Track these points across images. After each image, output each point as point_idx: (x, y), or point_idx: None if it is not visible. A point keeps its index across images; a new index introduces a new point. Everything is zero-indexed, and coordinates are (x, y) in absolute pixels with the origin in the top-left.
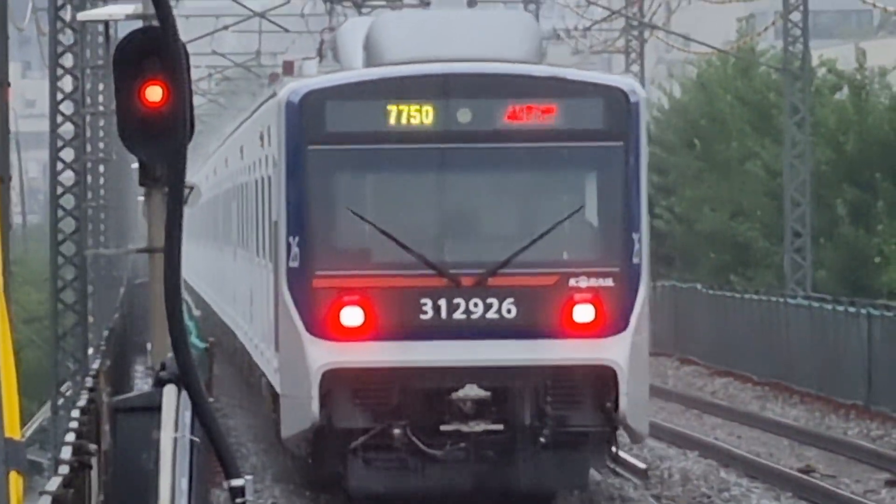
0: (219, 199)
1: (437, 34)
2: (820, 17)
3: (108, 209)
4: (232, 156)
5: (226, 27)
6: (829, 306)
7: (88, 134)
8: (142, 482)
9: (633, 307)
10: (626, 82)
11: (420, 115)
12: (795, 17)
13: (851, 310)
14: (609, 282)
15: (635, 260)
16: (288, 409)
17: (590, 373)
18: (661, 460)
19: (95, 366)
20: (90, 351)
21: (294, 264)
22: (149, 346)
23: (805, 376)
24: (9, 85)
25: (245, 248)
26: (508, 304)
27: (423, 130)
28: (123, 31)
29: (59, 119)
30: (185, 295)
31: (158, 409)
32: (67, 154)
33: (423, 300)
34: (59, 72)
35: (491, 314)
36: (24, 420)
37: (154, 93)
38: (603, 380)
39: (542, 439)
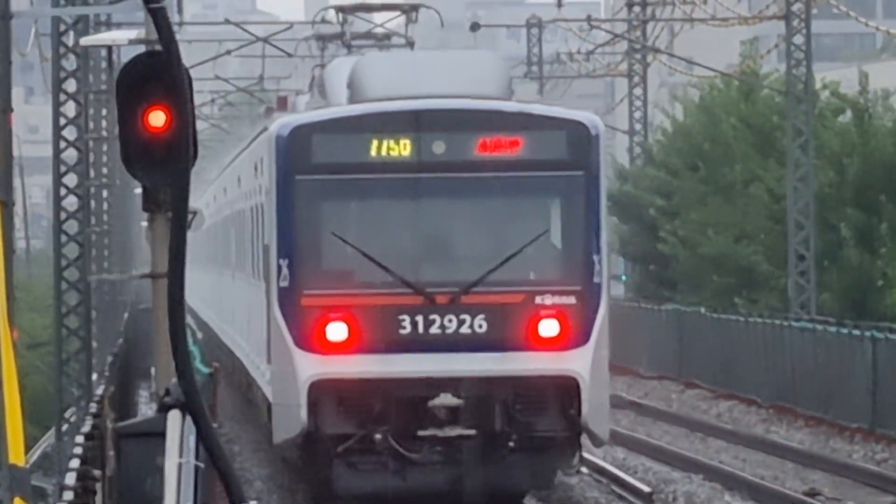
0: (218, 226)
1: (414, 73)
2: (823, 40)
3: (112, 234)
4: (230, 185)
5: (229, 52)
6: (834, 329)
7: (91, 159)
8: None
9: (594, 322)
10: (587, 117)
11: (398, 148)
12: (798, 40)
13: (856, 333)
14: (572, 299)
15: (596, 279)
16: (279, 416)
17: (555, 382)
18: (665, 483)
19: (99, 391)
20: (94, 376)
21: (284, 284)
22: (153, 371)
23: (809, 399)
24: (12, 110)
25: (242, 270)
26: (480, 319)
27: (401, 161)
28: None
29: (63, 144)
30: (189, 320)
31: (163, 434)
32: (71, 179)
33: (402, 316)
34: (62, 97)
35: (464, 329)
36: (29, 446)
37: (157, 118)
38: (567, 389)
39: (511, 443)
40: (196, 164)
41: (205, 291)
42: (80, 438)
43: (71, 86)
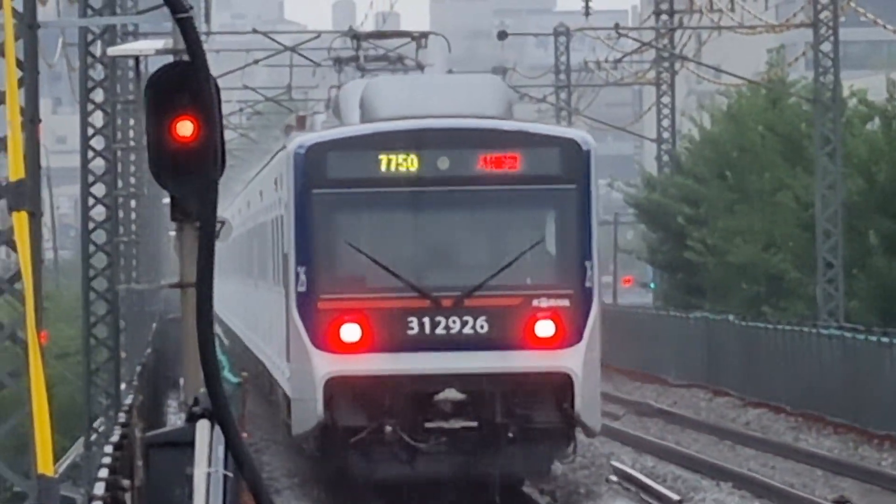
0: (243, 237)
1: (420, 95)
2: (850, 47)
3: (140, 244)
4: (253, 198)
5: (256, 61)
6: (862, 336)
7: (119, 169)
8: None
9: (586, 323)
10: (579, 134)
11: (406, 163)
12: (826, 47)
13: (884, 340)
14: (566, 302)
15: (588, 284)
16: (298, 410)
17: (550, 378)
18: (695, 491)
19: (128, 401)
20: (123, 386)
21: (302, 289)
22: (181, 381)
23: (838, 407)
24: (40, 121)
25: (264, 278)
26: (481, 321)
27: (408, 176)
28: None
29: (90, 154)
30: (217, 329)
31: (191, 444)
32: (99, 189)
33: (410, 318)
34: (90, 107)
35: (467, 329)
36: (57, 456)
37: (185, 127)
38: (561, 384)
39: (510, 434)
40: (224, 173)
41: (231, 300)
42: (108, 448)
43: (98, 96)
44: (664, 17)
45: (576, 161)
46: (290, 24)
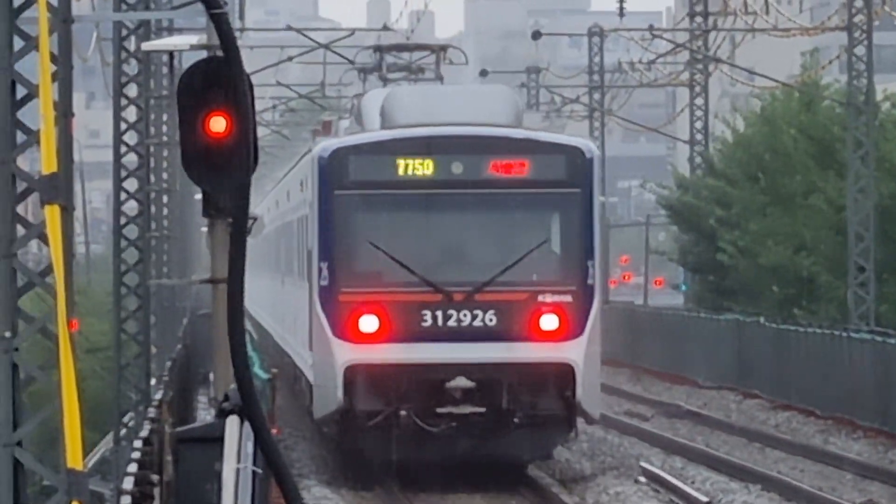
0: (272, 235)
1: (436, 104)
2: (884, 51)
3: (172, 240)
4: (281, 198)
5: (290, 58)
6: (893, 341)
7: (152, 164)
8: None
9: (587, 317)
10: (583, 143)
11: (422, 167)
12: (860, 51)
13: None
14: (569, 298)
15: (590, 281)
16: (319, 395)
17: (553, 368)
18: (723, 493)
19: (158, 396)
20: (153, 381)
21: (324, 283)
22: (211, 376)
23: (868, 410)
24: (73, 115)
25: (290, 274)
26: (490, 314)
27: (424, 179)
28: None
29: (123, 149)
30: (247, 325)
31: (221, 439)
32: (131, 184)
33: (424, 311)
34: (123, 102)
35: (477, 322)
36: (87, 451)
37: (218, 123)
38: (563, 374)
39: (516, 420)
40: (257, 170)
41: (260, 295)
42: (138, 443)
43: (132, 91)
44: (698, 18)
45: (580, 167)
46: (324, 22)
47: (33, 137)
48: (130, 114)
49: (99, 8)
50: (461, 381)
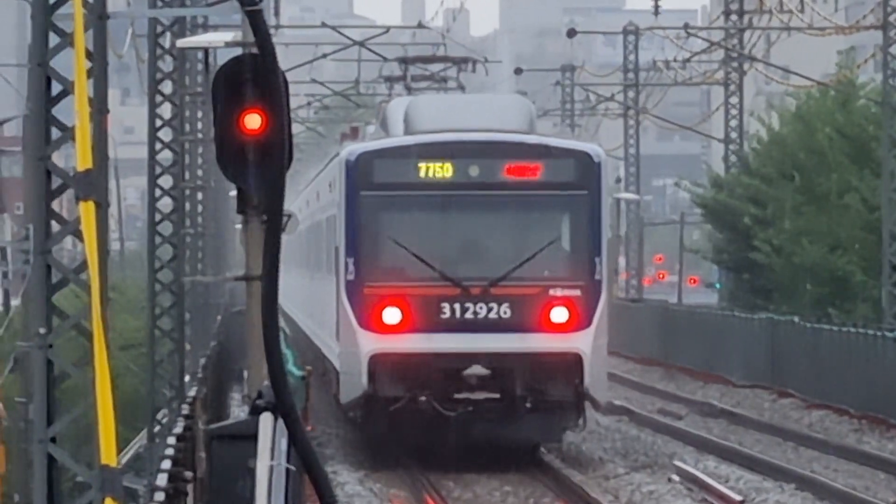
0: (303, 233)
1: (455, 112)
2: None
3: (206, 236)
4: (311, 198)
5: (325, 56)
6: None
7: (187, 161)
8: None
9: (595, 310)
10: (591, 148)
11: (442, 170)
12: (895, 50)
13: None
14: (578, 292)
15: (597, 276)
16: (345, 382)
17: (563, 358)
18: (756, 492)
19: (192, 393)
20: (187, 378)
21: (350, 277)
22: (245, 373)
23: None
24: (108, 112)
25: (319, 269)
26: (505, 307)
27: (443, 181)
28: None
29: (158, 146)
30: (281, 322)
31: (255, 437)
32: (165, 181)
33: (443, 304)
34: (158, 98)
35: (492, 314)
36: (121, 447)
37: (253, 120)
38: (572, 363)
39: (528, 405)
40: (291, 167)
41: (291, 290)
42: (171, 440)
43: (167, 87)
44: (734, 17)
45: (588, 171)
46: (359, 19)
47: (68, 134)
48: (165, 110)
49: (134, 4)
50: (477, 369)
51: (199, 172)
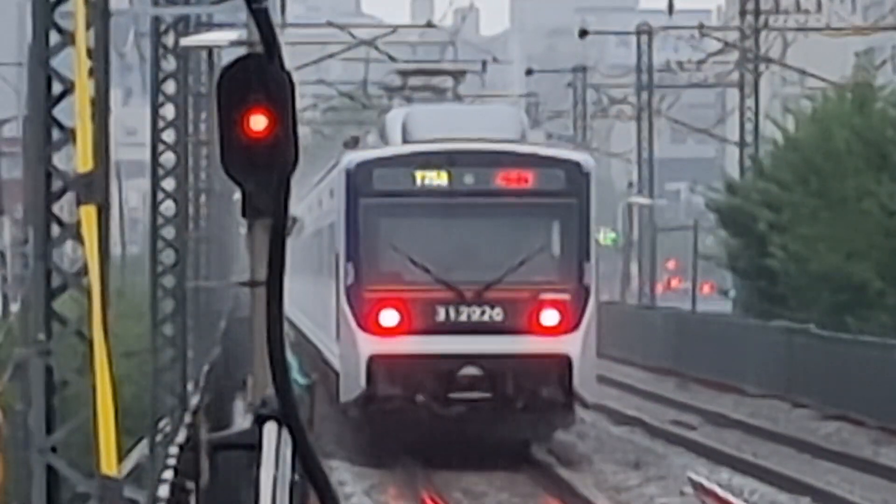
0: (306, 239)
1: (450, 122)
2: None
3: (210, 241)
4: (313, 205)
5: (332, 55)
6: None
7: (190, 163)
8: None
9: (584, 314)
10: (581, 157)
11: (437, 178)
12: None
13: None
14: (567, 296)
15: (586, 281)
16: (344, 382)
17: (553, 359)
18: None
19: (194, 401)
20: (189, 386)
21: (350, 281)
22: (249, 381)
23: None
24: (110, 112)
25: (320, 274)
26: (497, 310)
27: (439, 189)
28: (227, 58)
29: (161, 148)
30: (286, 329)
31: (258, 446)
32: (168, 184)
33: (439, 307)
34: (161, 99)
35: (485, 317)
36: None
37: (258, 122)
38: (562, 364)
39: (519, 405)
40: (297, 169)
41: (294, 294)
42: (173, 449)
43: (170, 87)
44: (749, 17)
45: (577, 179)
46: (367, 18)
47: (69, 135)
48: (168, 111)
49: (137, 2)
50: (471, 370)
51: (203, 175)
